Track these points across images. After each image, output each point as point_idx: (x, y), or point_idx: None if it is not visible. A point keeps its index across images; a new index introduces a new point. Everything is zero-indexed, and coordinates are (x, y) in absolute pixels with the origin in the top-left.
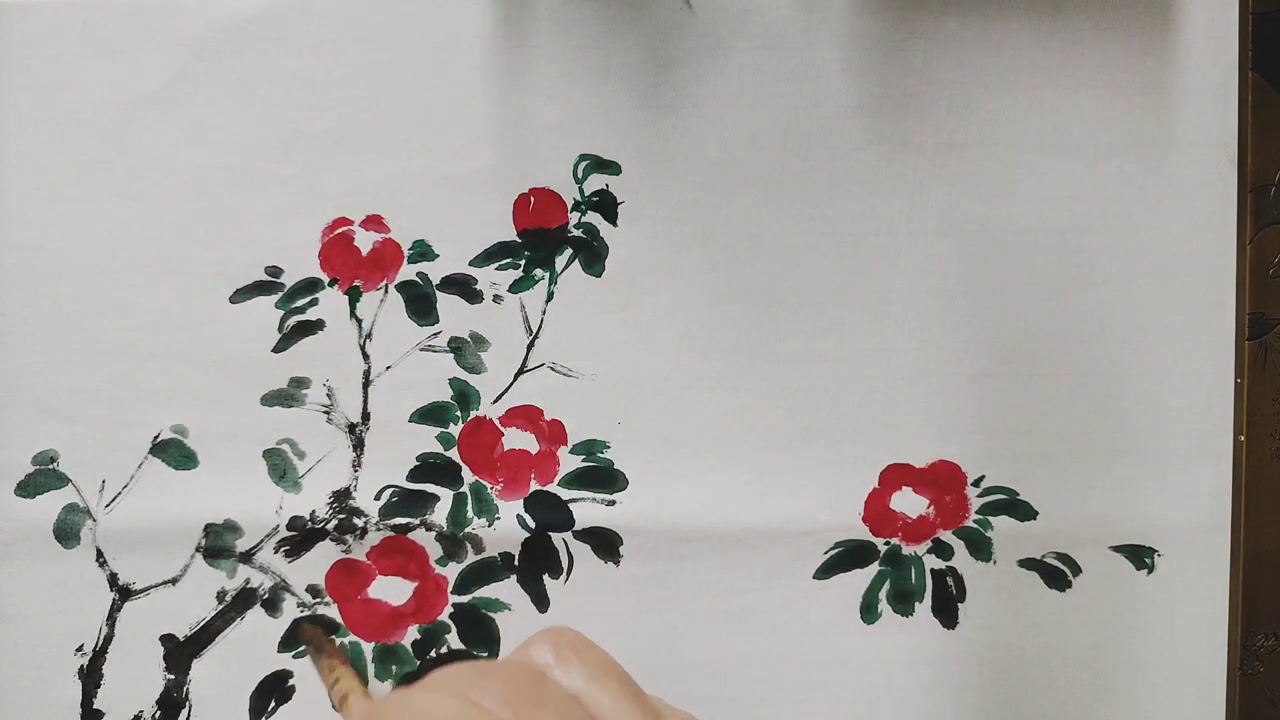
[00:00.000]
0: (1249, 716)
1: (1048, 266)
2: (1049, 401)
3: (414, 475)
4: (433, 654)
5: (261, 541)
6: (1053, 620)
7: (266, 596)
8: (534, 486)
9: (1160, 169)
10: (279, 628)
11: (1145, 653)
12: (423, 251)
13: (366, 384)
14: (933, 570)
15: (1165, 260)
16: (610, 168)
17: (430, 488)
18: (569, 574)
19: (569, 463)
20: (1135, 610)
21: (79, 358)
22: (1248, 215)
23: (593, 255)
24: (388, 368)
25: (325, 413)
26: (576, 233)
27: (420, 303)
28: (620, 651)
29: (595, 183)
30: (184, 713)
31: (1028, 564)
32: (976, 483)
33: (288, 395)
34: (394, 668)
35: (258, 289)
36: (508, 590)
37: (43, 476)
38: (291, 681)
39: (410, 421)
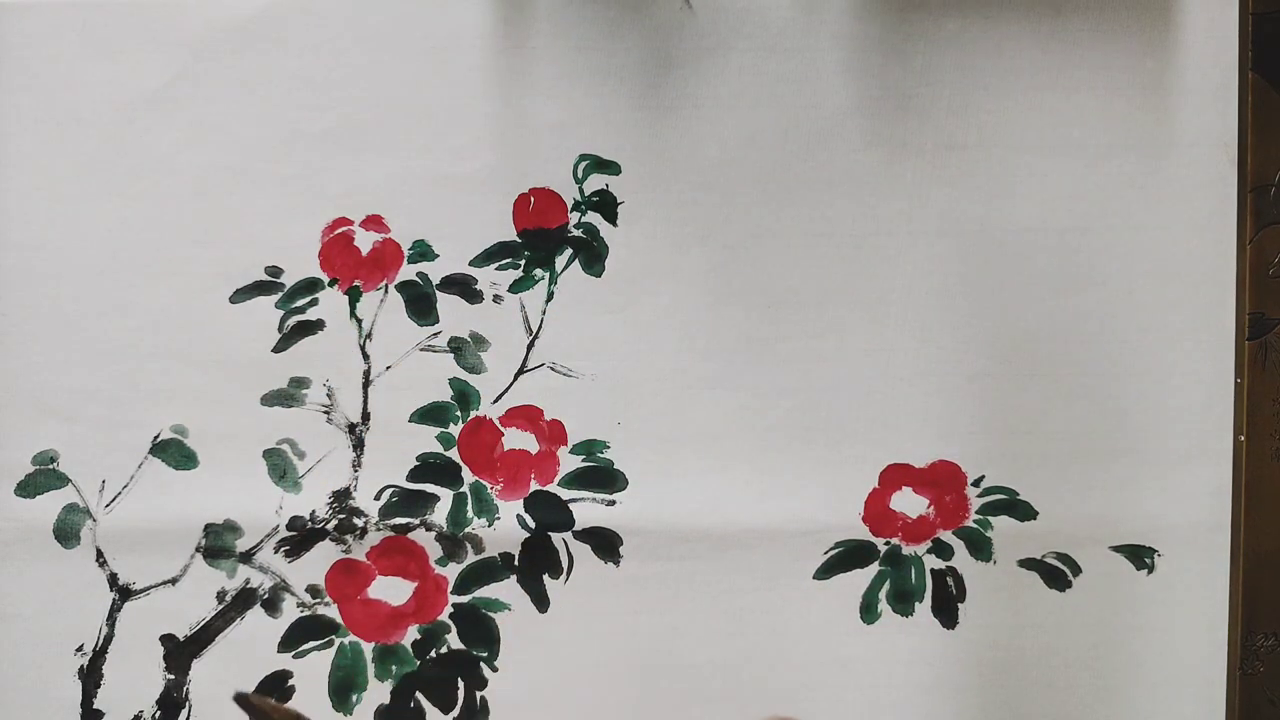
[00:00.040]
0: (1249, 716)
1: (1048, 266)
2: (1049, 401)
3: (414, 475)
4: (433, 654)
5: (261, 541)
6: (1053, 620)
7: (266, 596)
8: (534, 486)
9: (1160, 169)
10: (279, 628)
11: (1145, 653)
12: (423, 251)
13: (366, 384)
14: (933, 570)
15: (1165, 260)
16: (610, 168)
17: (430, 488)
18: (569, 574)
19: (569, 463)
20: (1135, 610)
21: (79, 358)
22: (1248, 215)
23: (593, 255)
24: (388, 368)
25: (325, 413)
26: (576, 233)
27: (420, 303)
28: (620, 651)
29: (595, 183)
30: (184, 713)
31: (1028, 564)
32: (976, 483)
33: (288, 395)
34: (394, 667)
35: (258, 289)
36: (508, 590)
37: (43, 476)
38: (291, 681)
39: (410, 421)
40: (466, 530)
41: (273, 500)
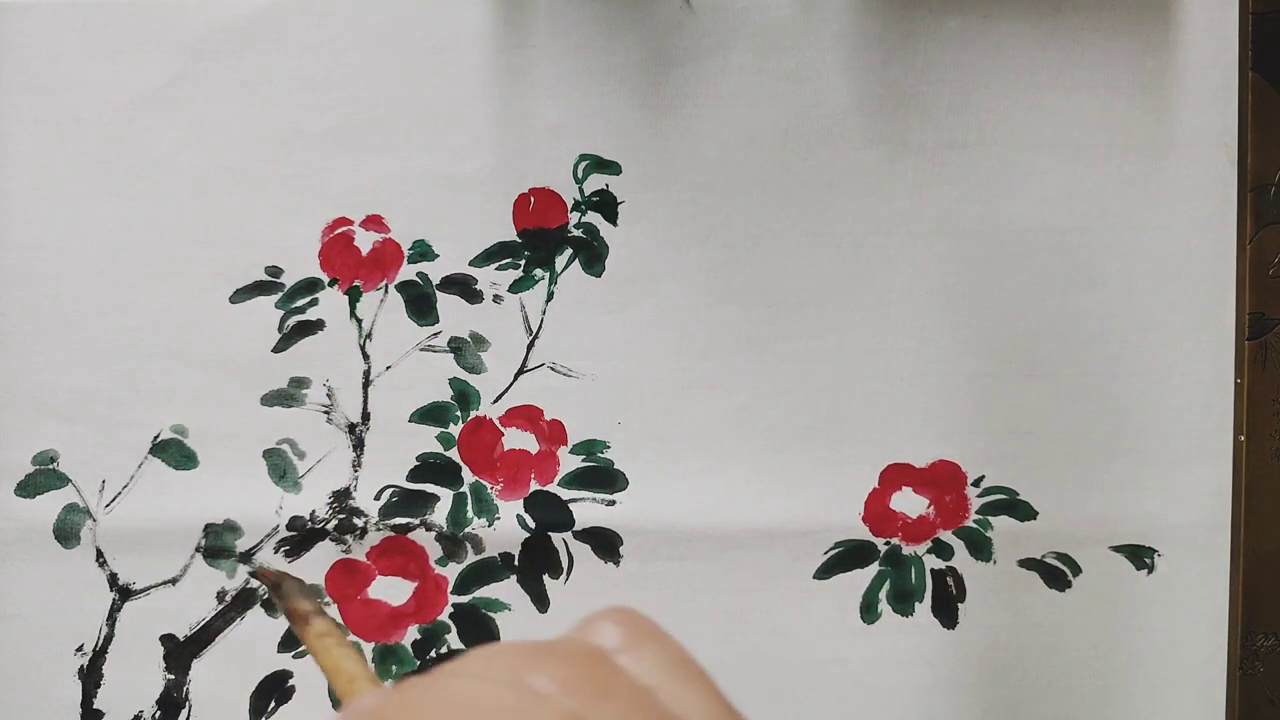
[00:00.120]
0: (1249, 716)
1: (1048, 266)
2: (1049, 401)
3: (414, 475)
4: (433, 654)
5: (261, 541)
6: (1053, 620)
7: (266, 596)
8: (534, 486)
9: (1160, 169)
10: (279, 628)
11: (1145, 653)
12: (423, 251)
13: (366, 384)
14: (933, 570)
15: (1165, 260)
16: (610, 168)
17: (430, 488)
18: (569, 574)
19: (569, 463)
20: (1135, 610)
21: (79, 358)
22: (1248, 215)
23: (593, 255)
24: (388, 368)
25: (325, 413)
26: (576, 233)
27: (420, 303)
28: None
29: (595, 183)
30: (184, 713)
31: (1028, 564)
32: (976, 483)
33: (288, 395)
34: (394, 667)
35: (258, 289)
36: (508, 590)
37: (43, 476)
38: (291, 681)
39: (410, 421)
40: (466, 530)
41: (273, 500)
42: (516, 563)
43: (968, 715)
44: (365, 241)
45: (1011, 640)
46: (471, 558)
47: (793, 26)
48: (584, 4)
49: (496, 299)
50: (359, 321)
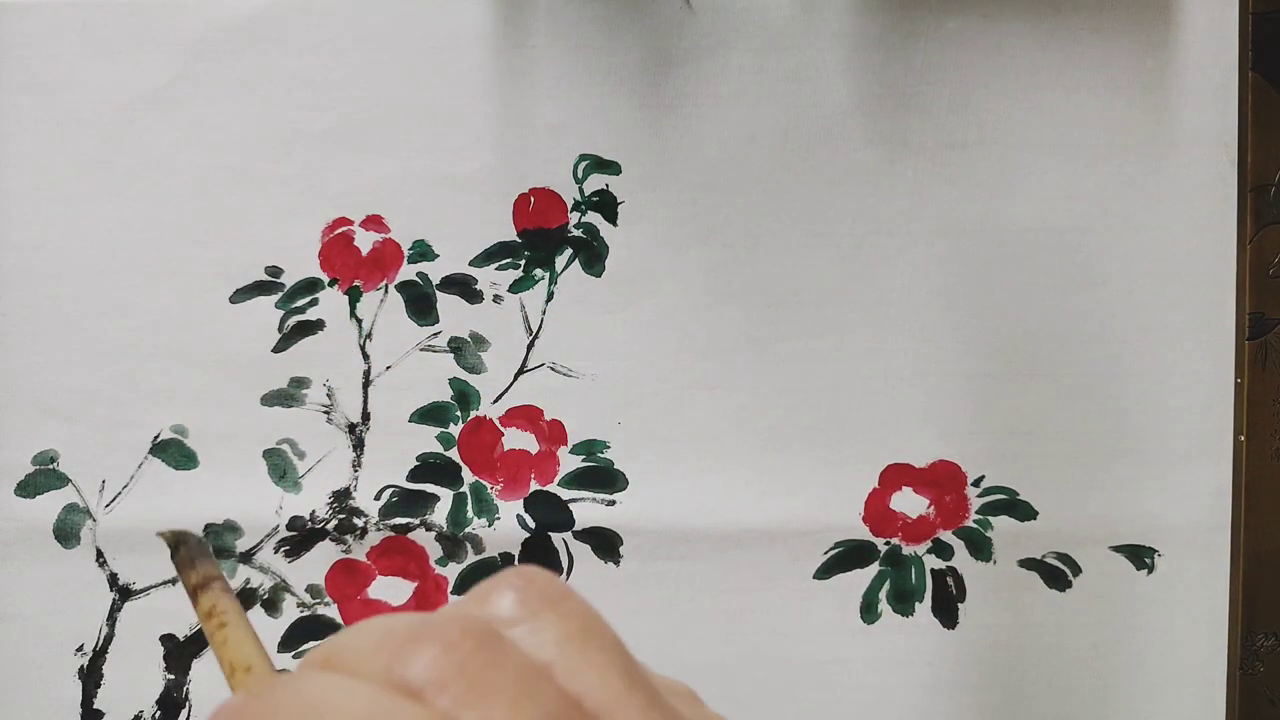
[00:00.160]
0: (1249, 716)
1: (1048, 266)
2: (1049, 401)
3: (414, 475)
4: None
5: (261, 541)
6: (1053, 620)
7: (266, 596)
8: (534, 486)
9: (1160, 169)
10: (279, 628)
11: (1145, 653)
12: (423, 251)
13: (366, 384)
14: (933, 570)
15: (1165, 260)
16: (610, 168)
17: (430, 488)
18: (569, 574)
19: (569, 463)
20: (1135, 610)
21: (79, 358)
22: (1248, 215)
23: (593, 255)
24: (388, 368)
25: (325, 413)
26: (576, 233)
27: (420, 303)
28: None
29: (595, 183)
30: (184, 713)
31: (1028, 564)
32: (976, 483)
33: (288, 395)
34: None
35: (258, 289)
36: None
37: (43, 476)
38: None
39: (410, 421)
40: (466, 530)
41: (273, 500)
42: (517, 563)
43: (968, 715)
44: (365, 241)
45: (1011, 640)
46: (471, 558)
47: (793, 26)
48: (584, 4)
49: (496, 299)
50: (359, 321)
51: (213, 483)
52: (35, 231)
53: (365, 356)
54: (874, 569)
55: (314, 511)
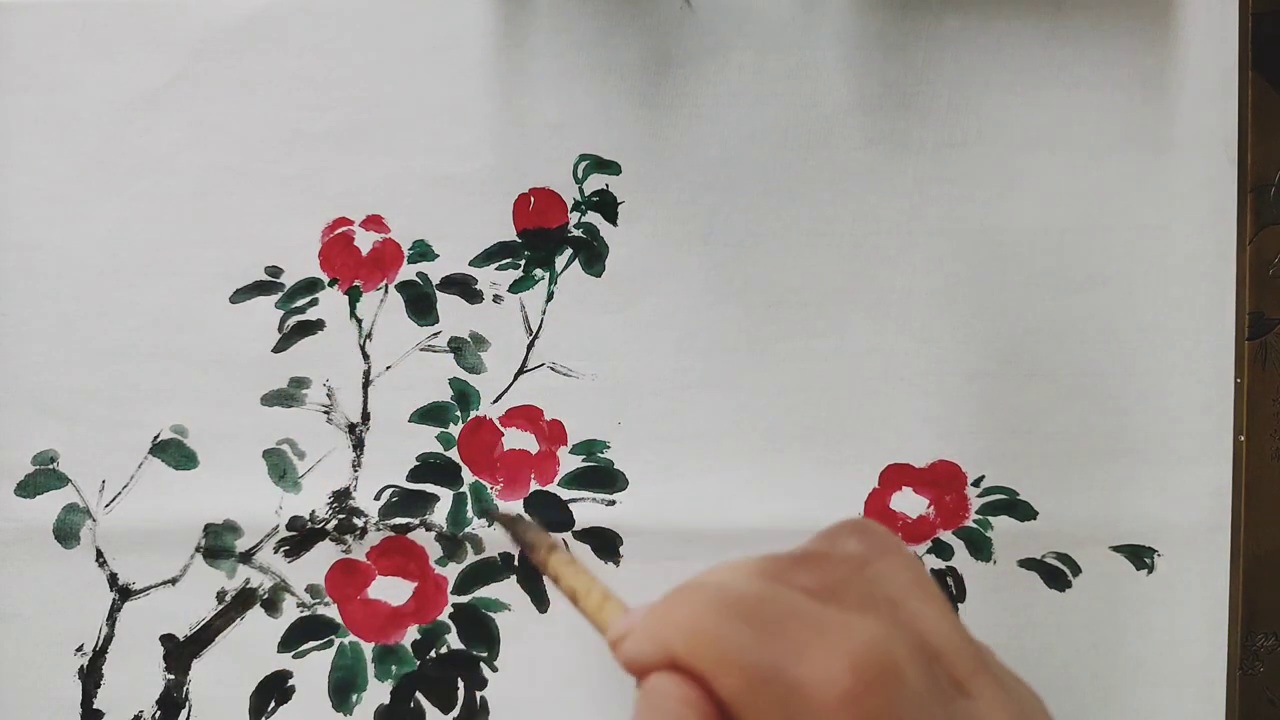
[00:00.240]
0: (1249, 716)
1: (1048, 266)
2: (1049, 401)
3: (414, 475)
4: (433, 654)
5: (261, 541)
6: (1053, 620)
7: (266, 596)
8: (534, 486)
9: (1160, 168)
10: (279, 628)
11: (1145, 653)
12: (423, 251)
13: (366, 384)
14: (933, 570)
15: (1165, 260)
16: (610, 168)
17: (430, 488)
18: None
19: (569, 463)
20: (1135, 610)
21: (79, 358)
22: (1248, 215)
23: (593, 255)
24: (388, 368)
25: (325, 413)
26: (576, 233)
27: (420, 303)
28: None
29: (595, 183)
30: (184, 713)
31: (1028, 564)
32: (976, 483)
33: (288, 395)
34: (394, 667)
35: (258, 289)
36: (507, 590)
37: (43, 476)
38: (291, 681)
39: (410, 421)
40: (466, 530)
41: (273, 500)
42: (516, 563)
43: None
44: (365, 241)
45: (1011, 640)
46: (471, 558)
47: (793, 26)
48: (584, 4)
49: (496, 299)
50: (359, 321)
51: (213, 483)
52: (35, 231)
53: (365, 356)
54: None
55: (314, 511)
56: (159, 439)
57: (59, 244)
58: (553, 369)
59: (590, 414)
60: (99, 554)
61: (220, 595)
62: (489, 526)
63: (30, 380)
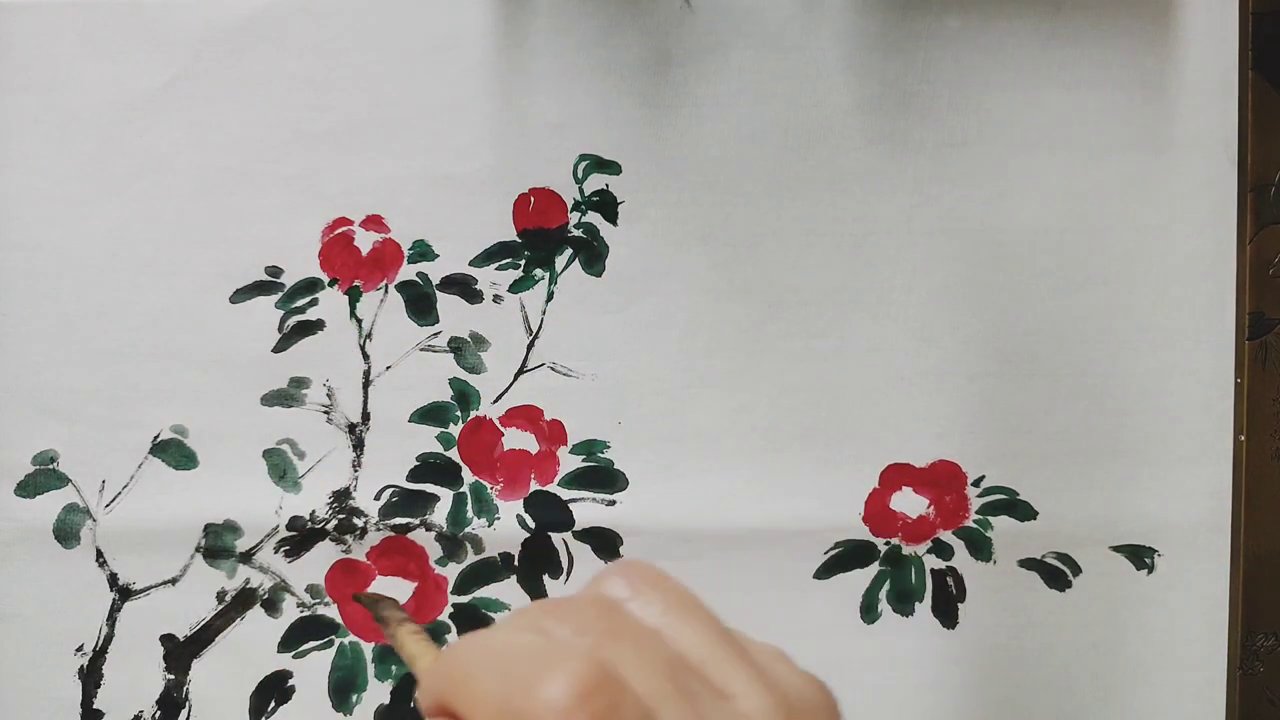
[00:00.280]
0: (1249, 716)
1: (1048, 266)
2: (1049, 401)
3: (414, 475)
4: None
5: (261, 541)
6: (1053, 620)
7: (266, 596)
8: (534, 486)
9: (1160, 168)
10: (279, 628)
11: (1145, 653)
12: (423, 251)
13: (366, 384)
14: (933, 570)
15: (1165, 260)
16: (610, 168)
17: (430, 488)
18: (569, 574)
19: (569, 463)
20: (1135, 610)
21: (79, 358)
22: (1248, 215)
23: (593, 255)
24: (388, 368)
25: (325, 413)
26: (576, 233)
27: (420, 303)
28: None
29: (595, 183)
30: (184, 713)
31: (1028, 564)
32: (976, 483)
33: (288, 395)
34: (394, 667)
35: (258, 289)
36: (508, 590)
37: (43, 476)
38: (291, 681)
39: (410, 421)
40: (466, 530)
41: (273, 500)
42: (516, 563)
43: (968, 715)
44: (365, 241)
45: (1011, 640)
46: (471, 558)
47: (793, 25)
48: (584, 3)
49: (496, 299)
50: (359, 321)
51: (213, 483)
52: (35, 231)
53: (365, 356)
54: (874, 569)
55: (314, 511)
56: (159, 439)
57: (59, 244)
58: (553, 369)
59: (590, 414)
60: (99, 554)
61: (220, 595)
62: (250, 581)
63: (30, 380)
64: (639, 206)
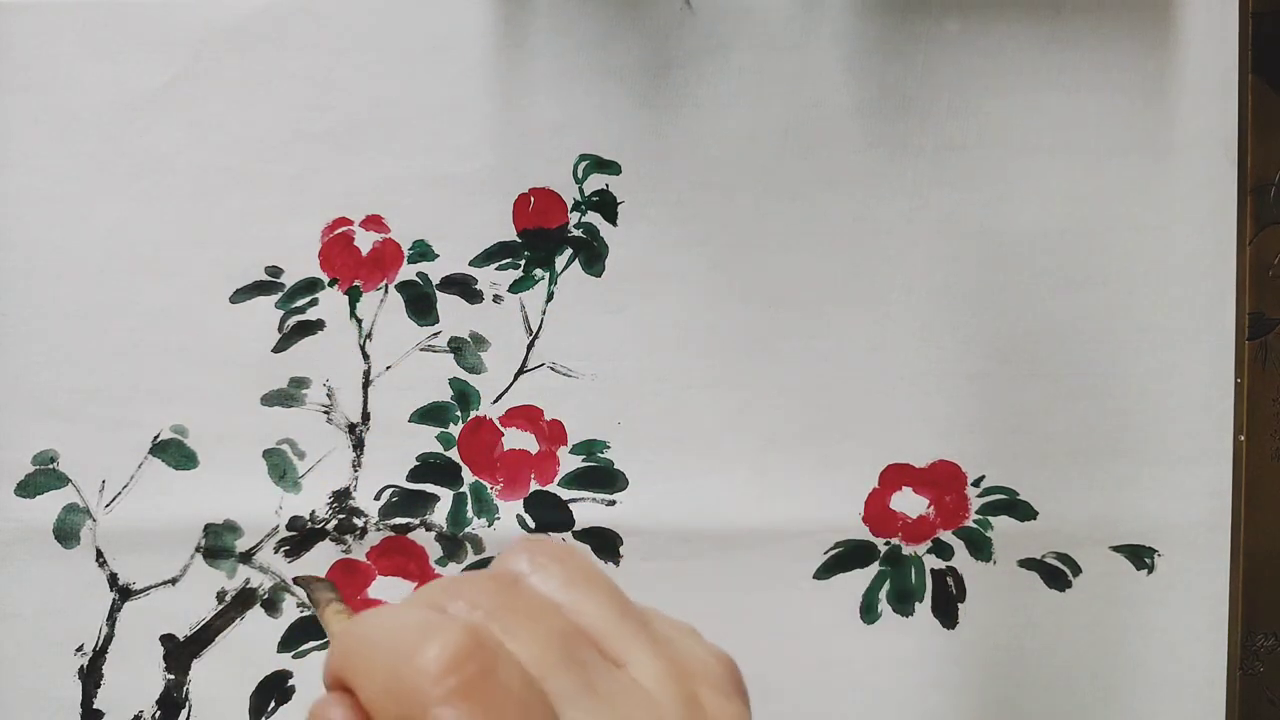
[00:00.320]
0: (1249, 716)
1: (1048, 266)
2: (1049, 401)
3: (414, 475)
4: None
5: (261, 541)
6: (1053, 620)
7: (266, 596)
8: (534, 486)
9: (1160, 169)
10: (279, 628)
11: (1145, 653)
12: (423, 251)
13: (366, 384)
14: (933, 570)
15: (1165, 260)
16: (610, 168)
17: (430, 488)
18: None
19: (569, 463)
20: (1135, 610)
21: (79, 358)
22: (1248, 215)
23: (593, 255)
24: (388, 368)
25: (325, 413)
26: (576, 233)
27: (420, 303)
28: None
29: (595, 183)
30: (184, 713)
31: (1028, 564)
32: (976, 483)
33: (288, 395)
34: None
35: (258, 289)
36: None
37: (43, 476)
38: (291, 681)
39: (410, 421)
40: (466, 530)
41: (273, 500)
42: None
43: (968, 715)
44: (365, 241)
45: (1011, 640)
46: (471, 558)
47: (793, 27)
48: (584, 4)
49: (496, 299)
50: (359, 321)
51: (213, 483)
52: (35, 231)
53: (365, 356)
54: (874, 569)
55: (314, 511)
56: (159, 439)
57: (59, 244)
58: (553, 369)
59: (590, 414)
60: (99, 554)
61: (220, 595)
62: (250, 581)
63: (30, 380)
64: (639, 207)
